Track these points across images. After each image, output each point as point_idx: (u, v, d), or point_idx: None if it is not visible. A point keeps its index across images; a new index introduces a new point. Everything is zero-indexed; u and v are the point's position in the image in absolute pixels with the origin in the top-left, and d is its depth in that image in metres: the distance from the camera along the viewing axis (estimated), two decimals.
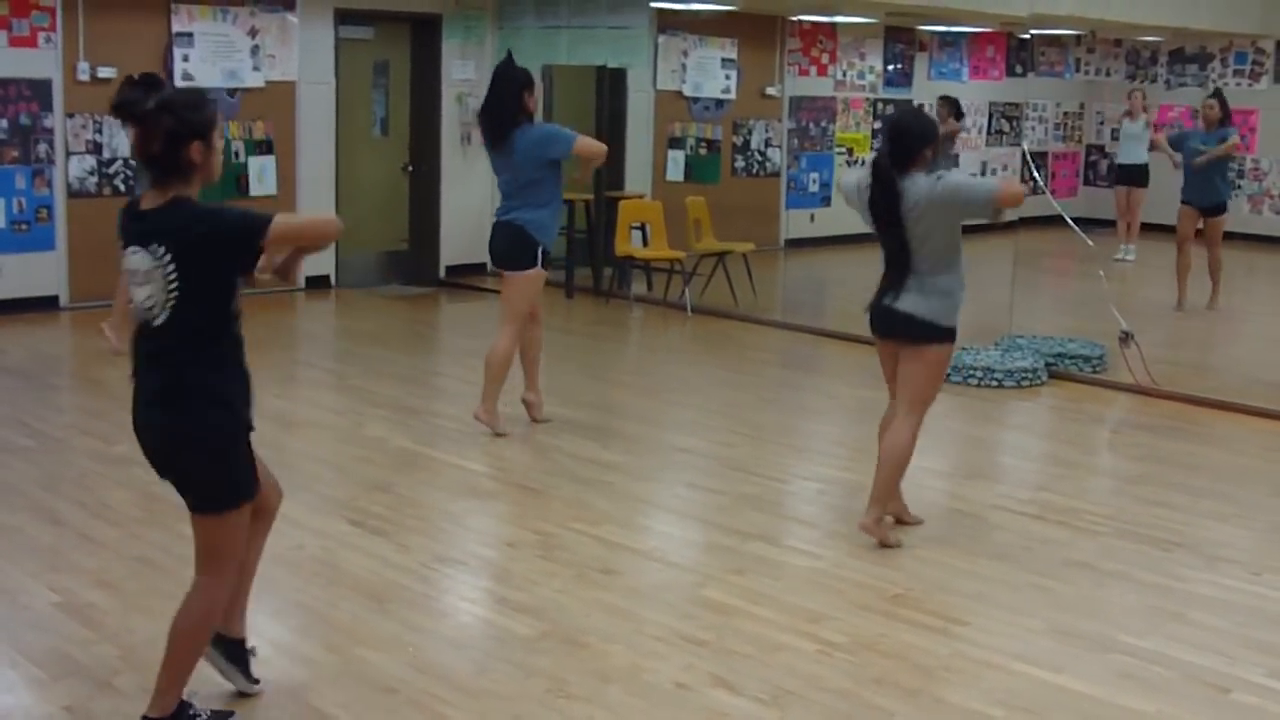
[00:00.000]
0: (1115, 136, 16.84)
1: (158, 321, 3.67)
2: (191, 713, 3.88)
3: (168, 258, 3.60)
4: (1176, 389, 8.76)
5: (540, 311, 7.57)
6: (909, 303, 5.59)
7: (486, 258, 7.58)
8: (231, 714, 4.00)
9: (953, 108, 14.95)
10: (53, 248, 10.49)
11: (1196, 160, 11.92)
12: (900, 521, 5.93)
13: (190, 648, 3.84)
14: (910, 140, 5.56)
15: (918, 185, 5.49)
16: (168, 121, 3.60)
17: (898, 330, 5.67)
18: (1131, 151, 15.09)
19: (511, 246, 7.22)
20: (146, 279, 3.64)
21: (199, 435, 3.72)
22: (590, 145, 7.24)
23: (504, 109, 7.12)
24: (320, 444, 7.33)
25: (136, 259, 3.65)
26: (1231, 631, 4.97)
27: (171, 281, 3.61)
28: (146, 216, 3.66)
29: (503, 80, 7.19)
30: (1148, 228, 15.25)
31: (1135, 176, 15.10)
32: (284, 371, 9.32)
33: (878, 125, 16.48)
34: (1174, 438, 7.89)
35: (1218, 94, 12.37)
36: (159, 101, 3.63)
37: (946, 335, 5.67)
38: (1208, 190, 11.99)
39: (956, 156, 15.06)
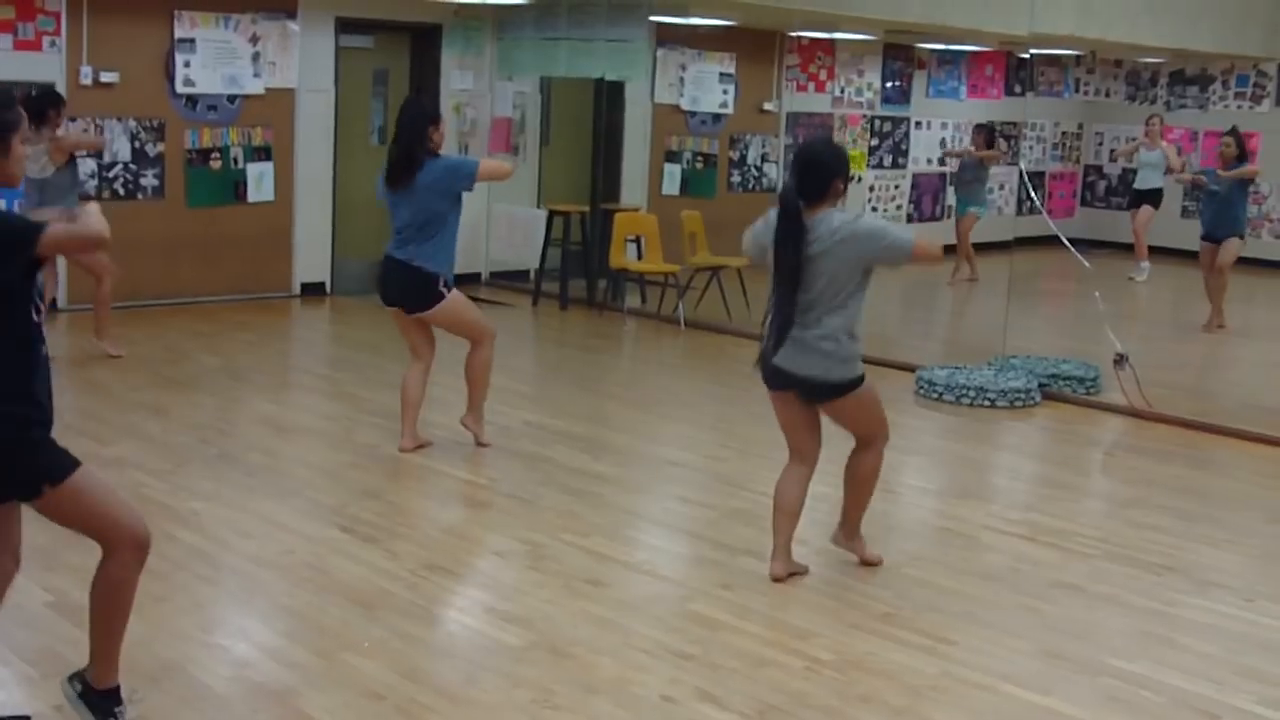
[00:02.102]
0: (1112, 158, 16.94)
1: None
2: (119, 708, 3.89)
3: None
4: (1171, 412, 8.76)
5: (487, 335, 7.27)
6: (802, 363, 5.26)
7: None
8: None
9: (988, 135, 15.02)
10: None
11: (1221, 174, 12.01)
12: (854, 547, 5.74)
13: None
14: (821, 172, 5.21)
15: (828, 222, 5.16)
16: None
17: (799, 389, 5.36)
18: (1149, 178, 15.15)
19: (411, 288, 6.95)
20: None
21: None
22: (494, 169, 7.18)
23: (413, 147, 6.85)
24: (312, 450, 7.33)
25: None
26: (1222, 657, 4.97)
27: None
28: None
29: (410, 118, 6.95)
30: (1150, 249, 15.30)
31: (1151, 199, 15.16)
32: (277, 377, 9.32)
33: (875, 143, 16.52)
34: (1167, 461, 7.90)
35: (1234, 132, 12.40)
36: None
37: (852, 386, 5.35)
38: (1225, 221, 12.05)
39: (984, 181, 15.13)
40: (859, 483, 5.61)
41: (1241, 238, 12.19)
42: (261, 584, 5.31)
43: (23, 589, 4.93)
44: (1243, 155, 12.14)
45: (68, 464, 3.65)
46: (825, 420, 5.50)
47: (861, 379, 5.37)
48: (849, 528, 5.68)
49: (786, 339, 5.27)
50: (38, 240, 3.47)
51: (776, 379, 5.38)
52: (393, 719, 4.14)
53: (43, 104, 8.28)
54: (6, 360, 3.55)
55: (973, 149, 15.13)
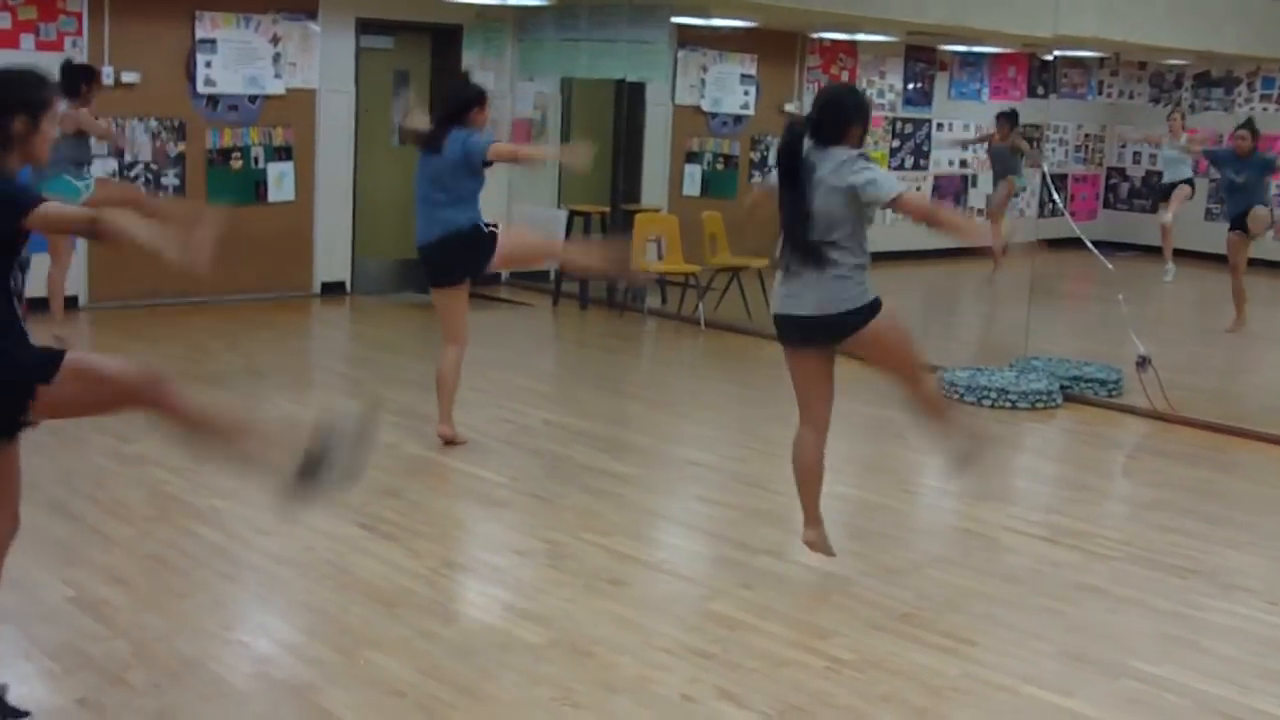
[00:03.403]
0: (1135, 159, 16.88)
1: None
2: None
3: None
4: (1194, 415, 8.71)
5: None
6: (811, 301, 5.17)
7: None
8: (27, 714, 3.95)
9: (1010, 121, 15.08)
10: (73, 249, 10.50)
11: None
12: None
13: None
14: (838, 114, 5.19)
15: (832, 156, 5.12)
16: None
17: (816, 334, 5.25)
18: (1175, 171, 15.12)
19: (462, 250, 6.94)
20: None
21: None
22: (507, 151, 7.16)
23: (448, 117, 7.00)
24: None
25: None
26: (1245, 661, 4.93)
27: None
28: None
29: (455, 94, 7.12)
30: (1174, 251, 15.25)
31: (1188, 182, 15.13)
32: (298, 376, 9.33)
33: (896, 144, 16.48)
34: (1190, 464, 7.86)
35: (1249, 124, 12.36)
36: None
37: (870, 312, 5.20)
38: (1251, 205, 12.00)
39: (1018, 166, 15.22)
40: (930, 406, 5.47)
41: (1265, 205, 12.11)
42: (282, 581, 5.31)
43: (43, 584, 4.95)
44: (1257, 146, 12.10)
45: (51, 356, 3.65)
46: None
47: (878, 302, 5.22)
48: (956, 433, 5.55)
49: (794, 280, 5.21)
50: (28, 212, 3.51)
51: (789, 331, 5.30)
52: (413, 716, 4.13)
53: (75, 77, 8.31)
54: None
55: (996, 136, 15.19)
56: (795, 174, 5.15)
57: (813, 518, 5.51)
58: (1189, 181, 15.00)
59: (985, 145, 15.73)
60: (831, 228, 5.11)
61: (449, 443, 7.15)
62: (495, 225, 6.99)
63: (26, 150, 3.65)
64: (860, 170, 5.09)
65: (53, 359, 3.64)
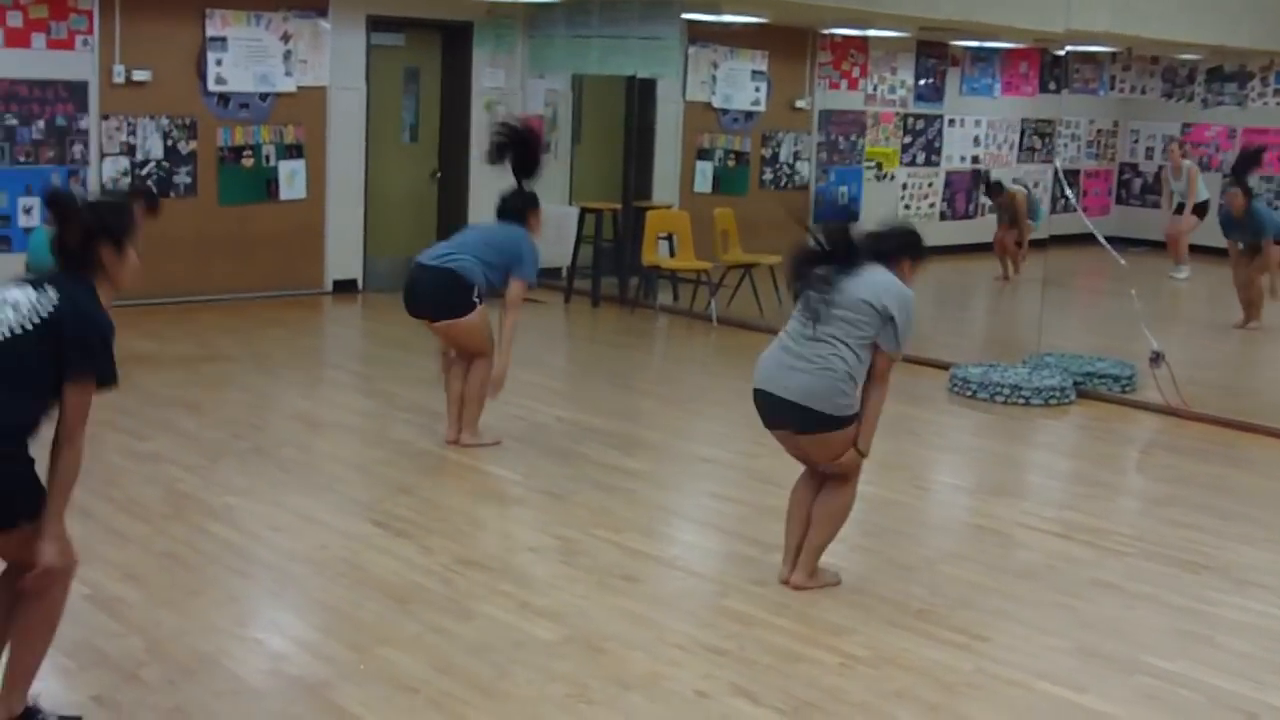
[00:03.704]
0: (1148, 154, 16.90)
1: None
2: (40, 717, 3.82)
3: (51, 306, 3.60)
4: (1208, 411, 8.70)
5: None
6: (790, 382, 5.08)
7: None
8: (78, 718, 3.94)
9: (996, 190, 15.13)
10: None
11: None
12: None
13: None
14: (900, 244, 5.28)
15: (872, 275, 5.10)
16: (87, 219, 3.70)
17: (786, 417, 5.16)
18: (1184, 199, 15.17)
19: (444, 293, 6.95)
20: (6, 307, 3.60)
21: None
22: (518, 301, 7.12)
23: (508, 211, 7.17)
24: (345, 446, 7.35)
25: (17, 291, 3.63)
26: (1259, 656, 4.92)
27: (33, 323, 3.57)
28: (60, 276, 3.71)
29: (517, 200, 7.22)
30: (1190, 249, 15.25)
31: (1197, 210, 15.12)
32: (310, 374, 9.35)
33: (908, 140, 16.45)
34: (1204, 460, 7.84)
35: (1238, 178, 12.35)
36: (85, 201, 3.78)
37: (845, 422, 5.13)
38: (1250, 231, 12.01)
39: None
40: (828, 516, 5.29)
41: (1277, 241, 12.10)
42: (295, 578, 5.32)
43: None
44: (1249, 202, 12.13)
45: (40, 504, 3.63)
46: None
47: (853, 419, 5.12)
48: (807, 564, 5.32)
49: (781, 348, 5.16)
50: (91, 381, 3.65)
51: (761, 407, 5.23)
52: (427, 713, 4.14)
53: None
54: (36, 413, 3.63)
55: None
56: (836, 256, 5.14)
57: (792, 560, 5.39)
58: (1201, 206, 15.01)
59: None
60: (850, 331, 5.06)
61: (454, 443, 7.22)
62: (480, 300, 7.00)
63: (114, 277, 3.75)
64: (903, 320, 5.08)
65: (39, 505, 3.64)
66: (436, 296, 6.99)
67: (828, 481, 5.31)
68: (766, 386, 5.19)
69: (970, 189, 17.26)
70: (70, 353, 3.58)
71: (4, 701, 3.76)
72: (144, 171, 10.73)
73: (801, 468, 5.44)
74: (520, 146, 7.21)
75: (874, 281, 5.09)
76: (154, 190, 8.95)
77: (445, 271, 6.96)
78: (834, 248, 5.18)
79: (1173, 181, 15.39)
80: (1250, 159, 12.76)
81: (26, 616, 3.72)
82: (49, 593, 3.70)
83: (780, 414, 5.17)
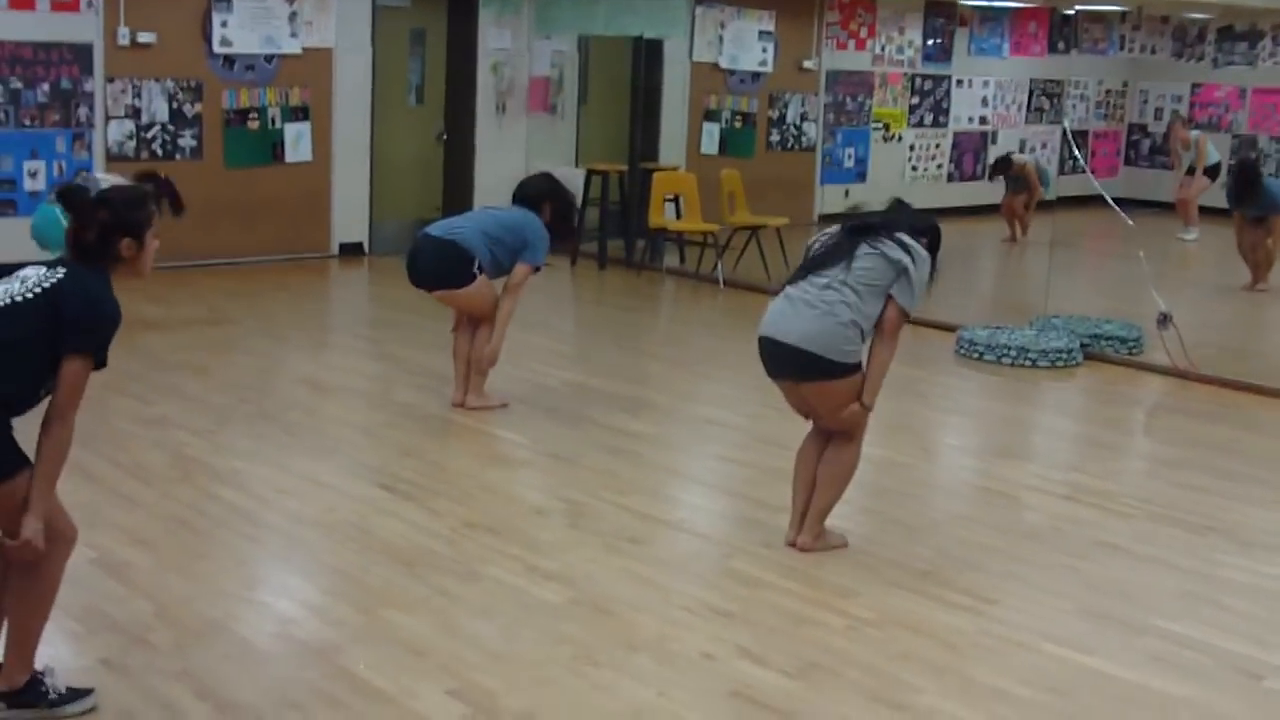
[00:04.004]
0: (1157, 115, 16.83)
1: None
2: (43, 689, 3.78)
3: (54, 279, 3.58)
4: (1215, 372, 8.68)
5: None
6: (795, 327, 5.06)
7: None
8: (89, 691, 3.87)
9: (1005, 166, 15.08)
10: None
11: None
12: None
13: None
14: (933, 235, 5.32)
15: (903, 245, 5.11)
16: (104, 214, 3.66)
17: (790, 365, 5.13)
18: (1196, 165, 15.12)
19: (446, 262, 6.95)
20: (14, 280, 3.60)
21: None
22: (522, 283, 7.08)
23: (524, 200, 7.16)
24: (352, 409, 7.35)
25: (30, 269, 3.64)
26: (1266, 618, 4.93)
27: (28, 296, 3.55)
28: (64, 260, 3.70)
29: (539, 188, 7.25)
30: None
31: (1208, 173, 15.06)
32: (317, 338, 9.35)
33: (915, 101, 16.38)
34: (1211, 422, 7.83)
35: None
36: (99, 195, 3.73)
37: (849, 369, 5.09)
38: (1260, 205, 11.98)
39: None
40: (833, 477, 5.27)
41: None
42: (303, 542, 5.33)
43: None
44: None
45: (17, 461, 3.59)
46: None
47: (857, 368, 5.09)
48: (813, 527, 5.30)
49: (785, 297, 5.15)
50: (85, 356, 3.56)
51: (765, 354, 5.20)
52: (435, 675, 4.15)
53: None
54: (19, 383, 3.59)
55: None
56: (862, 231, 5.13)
57: (799, 522, 5.40)
58: (1213, 169, 14.94)
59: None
60: (861, 276, 5.05)
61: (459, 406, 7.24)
62: (479, 271, 6.98)
63: (134, 268, 3.71)
64: (917, 275, 5.07)
65: (16, 464, 3.60)
66: (437, 268, 6.99)
67: (832, 441, 5.29)
68: (768, 332, 5.16)
69: (979, 150, 17.19)
70: (68, 330, 3.55)
71: (6, 674, 3.75)
72: (149, 135, 10.70)
73: (807, 429, 5.43)
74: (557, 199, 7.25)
75: (892, 247, 5.08)
76: (175, 189, 8.78)
77: (447, 243, 6.97)
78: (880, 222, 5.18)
79: (1182, 153, 15.33)
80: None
81: (22, 588, 3.71)
82: (44, 565, 3.68)
83: (782, 361, 5.14)
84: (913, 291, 5.08)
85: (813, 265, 5.17)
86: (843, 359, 5.05)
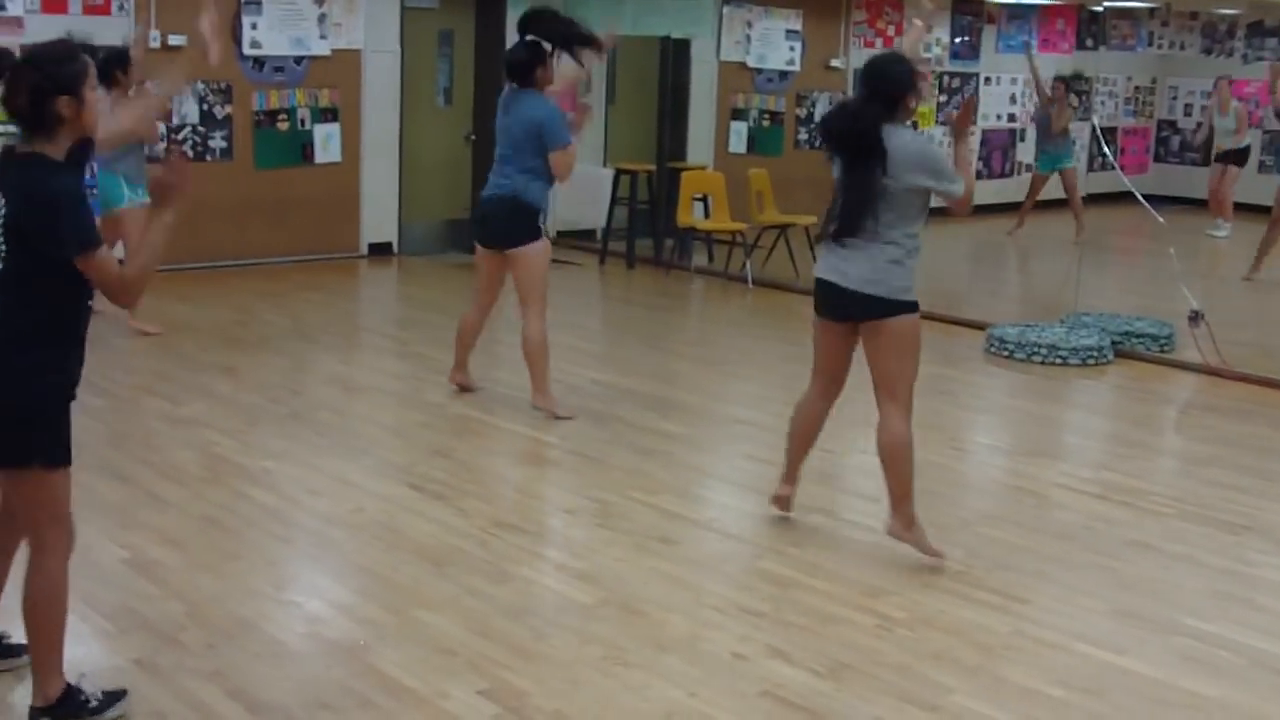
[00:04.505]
0: (1187, 111, 16.62)
1: None
2: (82, 698, 3.75)
3: (5, 200, 3.47)
4: (1247, 370, 8.62)
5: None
6: (850, 271, 5.09)
7: (548, 226, 7.43)
8: (123, 692, 3.86)
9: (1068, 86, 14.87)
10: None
11: None
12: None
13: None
14: (889, 85, 5.06)
15: (899, 136, 5.04)
16: (32, 75, 3.50)
17: (853, 312, 5.17)
18: (1226, 141, 14.92)
19: (511, 221, 6.94)
20: None
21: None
22: (568, 162, 6.97)
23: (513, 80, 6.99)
24: (381, 409, 7.37)
25: None
26: None
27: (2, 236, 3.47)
28: (7, 165, 3.56)
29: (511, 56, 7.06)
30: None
31: (1234, 157, 14.93)
32: (346, 337, 9.37)
33: (943, 99, 16.33)
34: (1244, 420, 7.78)
35: None
36: (24, 55, 3.57)
37: (905, 308, 5.13)
38: None
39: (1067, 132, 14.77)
40: (892, 455, 5.22)
41: None
42: (333, 541, 5.35)
43: (98, 546, 5.01)
44: None
45: (64, 456, 3.59)
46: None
47: (913, 306, 5.13)
48: (899, 515, 5.26)
49: (843, 250, 5.12)
50: (88, 255, 3.46)
51: (826, 298, 5.23)
52: (464, 675, 4.16)
53: (108, 65, 8.12)
54: (63, 323, 3.56)
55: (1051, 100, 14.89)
56: (865, 153, 5.04)
57: (791, 477, 5.57)
58: (1241, 153, 14.81)
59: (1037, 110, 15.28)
60: (891, 207, 5.04)
61: (464, 389, 7.39)
62: (543, 229, 6.99)
63: (76, 128, 3.55)
64: (939, 168, 5.05)
65: (62, 458, 3.59)
66: (503, 222, 6.98)
67: (880, 413, 5.24)
68: (828, 275, 5.19)
69: (1007, 147, 17.12)
70: (50, 244, 3.43)
71: (39, 688, 3.70)
72: (180, 137, 10.75)
73: (802, 389, 5.50)
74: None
75: (894, 161, 4.99)
76: (125, 47, 8.55)
77: (508, 199, 6.94)
78: (856, 141, 5.08)
79: (1218, 118, 15.03)
80: None
81: (33, 595, 3.64)
82: (47, 562, 3.63)
83: (845, 304, 5.15)
84: (948, 184, 5.05)
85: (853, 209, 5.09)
86: (904, 296, 5.08)
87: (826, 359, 5.42)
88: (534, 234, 6.94)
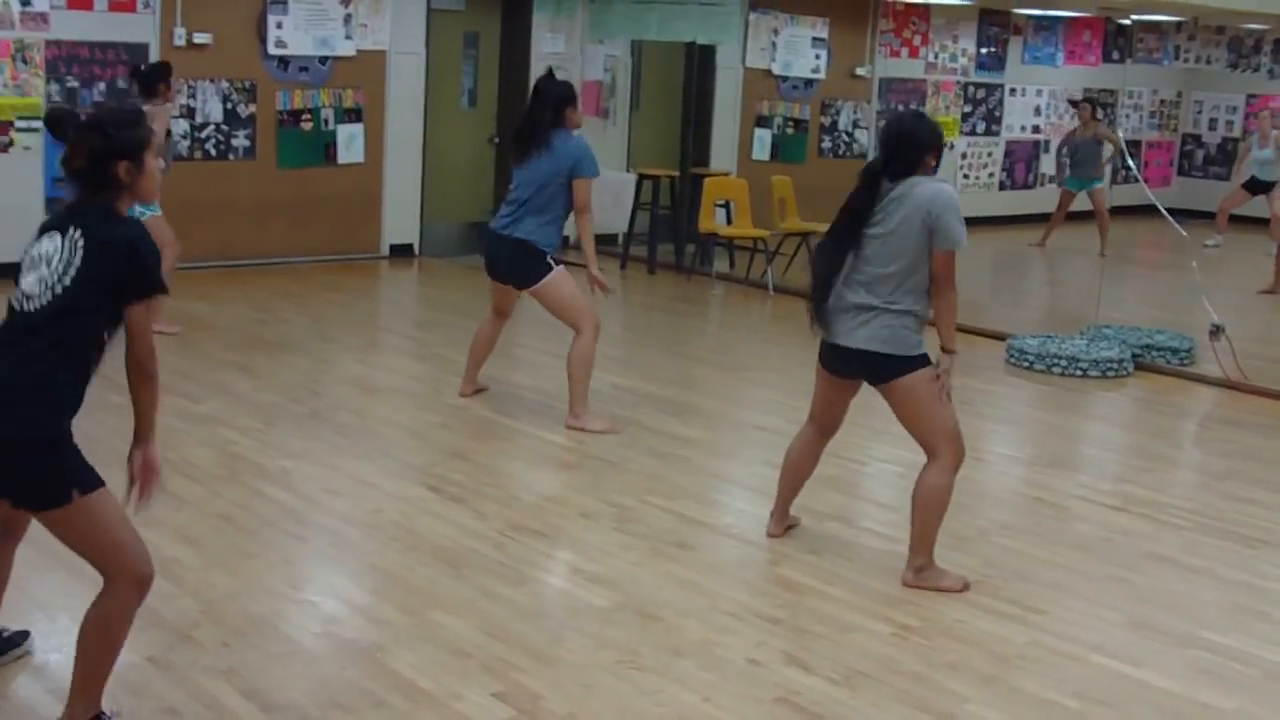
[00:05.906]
0: (1211, 125, 16.55)
1: (30, 308, 3.49)
2: None
3: (80, 244, 3.47)
4: (1267, 384, 8.59)
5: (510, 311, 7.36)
6: (864, 336, 4.98)
7: (570, 231, 7.45)
8: None
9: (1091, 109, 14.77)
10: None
11: None
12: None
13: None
14: (913, 146, 4.95)
15: (918, 186, 4.91)
16: (95, 138, 3.53)
17: (857, 372, 5.11)
18: (1264, 172, 14.78)
19: (519, 263, 6.95)
20: (40, 264, 3.50)
21: (20, 436, 3.47)
22: (588, 196, 6.94)
23: (543, 119, 6.91)
24: (400, 410, 7.38)
25: (46, 243, 3.52)
26: None
27: (69, 269, 3.46)
28: (74, 209, 3.57)
29: (549, 94, 6.94)
30: (1239, 219, 15.00)
31: (1264, 189, 14.82)
32: (366, 338, 9.39)
33: (968, 109, 16.30)
34: (1263, 434, 7.75)
35: None
36: (88, 119, 3.62)
37: (916, 362, 4.98)
38: None
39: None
40: (924, 503, 5.04)
41: None
42: (350, 542, 5.35)
43: None
44: None
45: (96, 478, 3.58)
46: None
47: (925, 359, 4.98)
48: (910, 563, 5.10)
49: (843, 308, 5.04)
50: (145, 300, 3.52)
51: (832, 359, 5.16)
52: (479, 677, 4.16)
53: (153, 79, 8.29)
54: (77, 370, 3.58)
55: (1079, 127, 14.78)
56: (860, 215, 4.99)
57: (782, 515, 5.51)
58: (1270, 185, 14.70)
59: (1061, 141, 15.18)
60: (897, 258, 4.93)
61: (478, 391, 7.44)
62: (557, 263, 6.97)
63: (135, 193, 3.60)
64: (947, 217, 4.88)
65: (94, 480, 3.58)
66: (510, 263, 6.99)
67: (926, 463, 5.06)
68: (834, 340, 5.09)
69: (1031, 159, 17.08)
70: (121, 287, 3.48)
71: (70, 714, 3.64)
72: (204, 135, 10.79)
73: (801, 422, 5.46)
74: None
75: (907, 206, 4.90)
76: (169, 65, 8.63)
77: (514, 241, 6.93)
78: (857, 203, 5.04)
79: (1256, 150, 14.94)
80: None
81: (95, 631, 3.60)
82: (117, 608, 3.59)
83: (853, 365, 5.08)
84: (950, 235, 4.88)
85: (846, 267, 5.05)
86: (911, 351, 4.95)
87: (826, 404, 5.39)
88: (544, 270, 6.92)
